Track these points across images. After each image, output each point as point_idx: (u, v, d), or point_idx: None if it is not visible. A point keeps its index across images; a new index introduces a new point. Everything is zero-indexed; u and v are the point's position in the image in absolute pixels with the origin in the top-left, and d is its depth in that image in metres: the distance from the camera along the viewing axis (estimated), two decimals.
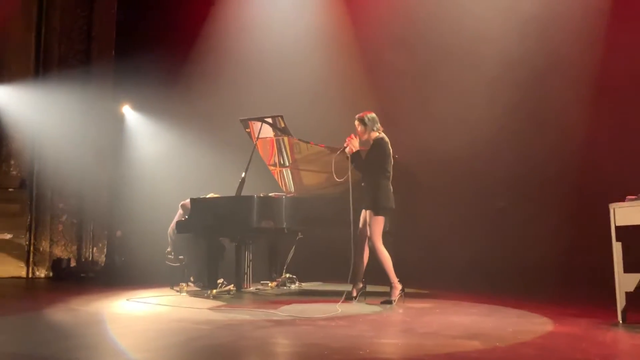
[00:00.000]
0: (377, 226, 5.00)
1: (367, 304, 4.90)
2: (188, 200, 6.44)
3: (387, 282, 5.01)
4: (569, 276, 5.82)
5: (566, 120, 6.14)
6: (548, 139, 6.28)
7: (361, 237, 5.13)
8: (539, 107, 6.40)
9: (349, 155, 5.12)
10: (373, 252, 5.02)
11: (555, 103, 6.23)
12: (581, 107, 6.07)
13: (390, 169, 5.10)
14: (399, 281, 4.97)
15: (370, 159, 5.10)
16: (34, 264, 8.53)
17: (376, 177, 5.06)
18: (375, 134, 5.15)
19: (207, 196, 6.45)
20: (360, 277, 5.13)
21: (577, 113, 6.08)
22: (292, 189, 6.54)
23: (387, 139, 5.12)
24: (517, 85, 6.46)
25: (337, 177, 5.20)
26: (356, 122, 5.19)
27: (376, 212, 5.02)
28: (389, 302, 4.90)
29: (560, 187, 6.21)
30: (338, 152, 5.26)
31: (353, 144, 5.12)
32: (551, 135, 6.26)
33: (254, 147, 6.08)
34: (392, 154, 5.12)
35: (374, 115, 5.20)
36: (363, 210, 5.16)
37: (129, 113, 9.38)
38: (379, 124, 5.17)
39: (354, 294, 5.08)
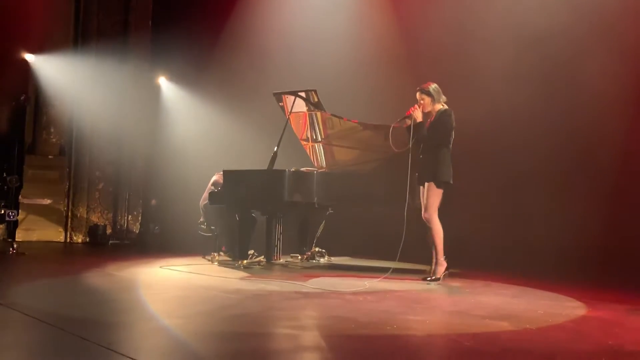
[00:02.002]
0: (435, 199, 4.88)
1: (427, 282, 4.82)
2: (218, 176, 6.49)
3: (429, 259, 4.93)
4: (605, 260, 5.66)
5: (603, 94, 5.85)
6: (585, 114, 6.00)
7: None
8: (572, 81, 6.10)
9: (412, 124, 4.91)
10: (421, 225, 4.90)
11: (592, 76, 5.92)
12: (620, 80, 5.77)
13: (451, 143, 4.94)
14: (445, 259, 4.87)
15: (434, 131, 4.92)
16: (72, 229, 8.79)
17: (439, 150, 4.90)
18: (439, 106, 4.99)
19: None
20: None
21: (615, 86, 5.78)
22: (324, 164, 6.53)
23: (451, 111, 4.95)
24: (549, 59, 6.21)
25: (396, 148, 5.03)
26: (420, 94, 4.99)
27: (438, 184, 4.88)
28: (435, 279, 4.82)
29: (597, 166, 5.99)
30: (398, 120, 5.07)
31: (416, 115, 4.94)
32: (588, 110, 5.98)
33: (287, 121, 6.07)
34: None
35: (437, 86, 5.00)
36: (421, 188, 5.02)
37: (164, 84, 9.47)
38: (443, 96, 5.00)
39: (439, 275, 4.91)
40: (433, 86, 5.00)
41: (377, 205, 6.06)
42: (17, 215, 7.30)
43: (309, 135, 6.42)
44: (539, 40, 6.22)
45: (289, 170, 5.69)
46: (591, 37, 5.89)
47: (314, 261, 6.52)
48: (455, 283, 5.00)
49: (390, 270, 4.90)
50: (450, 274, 4.98)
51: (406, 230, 4.79)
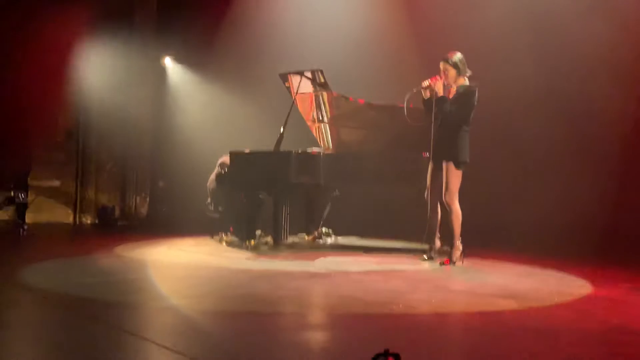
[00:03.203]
0: (456, 181, 4.64)
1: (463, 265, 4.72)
2: (225, 157, 6.49)
3: (433, 240, 4.89)
4: (611, 238, 5.65)
5: (612, 75, 5.76)
6: (590, 91, 5.92)
7: (436, 191, 4.76)
8: (580, 63, 6.01)
9: (433, 97, 4.63)
10: (438, 208, 4.81)
11: (602, 58, 5.82)
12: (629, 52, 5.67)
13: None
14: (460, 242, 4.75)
15: (456, 107, 4.61)
16: (81, 210, 8.87)
17: (458, 128, 4.62)
18: (462, 80, 4.67)
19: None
20: (435, 235, 4.88)
21: (626, 68, 5.69)
22: (330, 145, 6.52)
23: (476, 88, 4.62)
24: (554, 35, 6.12)
25: (410, 120, 4.73)
26: (444, 65, 4.64)
27: (457, 165, 4.63)
28: (450, 263, 4.70)
29: (602, 145, 5.93)
30: (414, 90, 4.72)
31: (439, 88, 4.62)
32: (594, 87, 5.90)
33: (293, 102, 6.05)
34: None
35: (463, 57, 4.64)
36: (431, 164, 4.81)
37: (170, 65, 9.44)
38: (468, 69, 4.65)
39: (432, 253, 4.86)
40: (458, 56, 4.64)
41: (384, 185, 6.05)
42: (27, 197, 7.35)
43: (315, 116, 6.40)
44: (545, 17, 6.12)
45: (295, 151, 5.69)
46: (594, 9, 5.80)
47: (321, 241, 6.54)
48: (462, 262, 5.01)
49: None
50: (443, 251, 4.88)
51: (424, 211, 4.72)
